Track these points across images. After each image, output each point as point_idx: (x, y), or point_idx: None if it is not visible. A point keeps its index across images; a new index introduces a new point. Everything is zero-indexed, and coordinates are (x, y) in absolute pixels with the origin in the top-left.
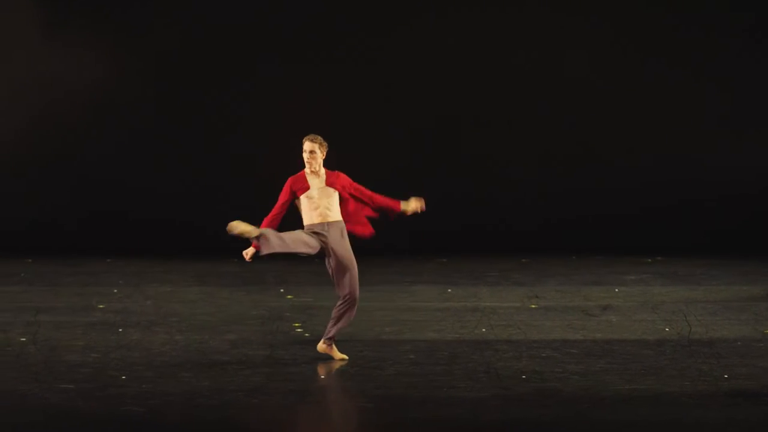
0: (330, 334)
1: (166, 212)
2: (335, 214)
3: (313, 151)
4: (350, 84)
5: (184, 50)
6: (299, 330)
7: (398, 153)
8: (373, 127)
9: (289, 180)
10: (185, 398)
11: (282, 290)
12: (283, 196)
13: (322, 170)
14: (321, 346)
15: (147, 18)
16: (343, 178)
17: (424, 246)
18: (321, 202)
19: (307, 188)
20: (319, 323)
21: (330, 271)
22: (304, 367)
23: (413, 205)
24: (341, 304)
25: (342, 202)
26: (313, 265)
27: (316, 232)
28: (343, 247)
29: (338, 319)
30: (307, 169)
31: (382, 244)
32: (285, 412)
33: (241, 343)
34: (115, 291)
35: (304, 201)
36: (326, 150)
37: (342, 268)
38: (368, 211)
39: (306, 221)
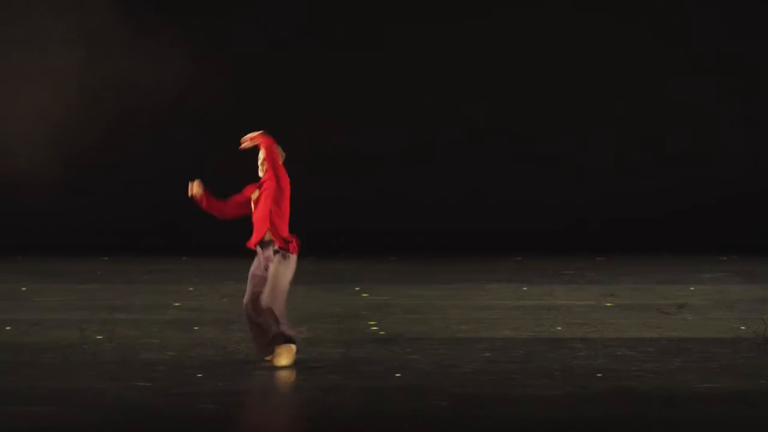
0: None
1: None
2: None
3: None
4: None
5: (262, 51)
6: (374, 328)
7: (462, 155)
8: (449, 132)
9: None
10: (261, 395)
11: (357, 288)
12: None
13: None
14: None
15: (228, 19)
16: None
17: (500, 244)
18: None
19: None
20: (394, 321)
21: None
22: (379, 365)
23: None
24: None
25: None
26: (390, 263)
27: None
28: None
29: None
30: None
31: (457, 243)
32: (360, 410)
33: (317, 341)
34: (191, 289)
35: None
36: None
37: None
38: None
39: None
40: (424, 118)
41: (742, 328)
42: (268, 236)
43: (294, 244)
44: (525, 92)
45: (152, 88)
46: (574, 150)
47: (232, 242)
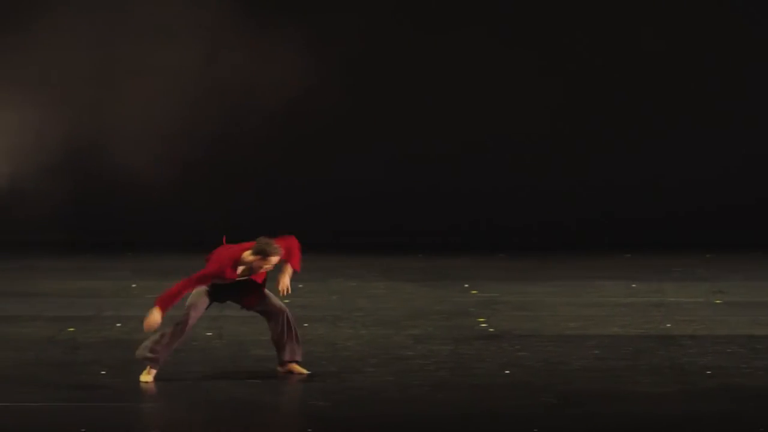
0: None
1: (353, 210)
2: None
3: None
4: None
5: (375, 53)
6: (483, 325)
7: (570, 147)
8: (557, 125)
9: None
10: (369, 393)
11: (466, 285)
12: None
13: None
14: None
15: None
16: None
17: (609, 241)
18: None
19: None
20: (503, 319)
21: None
22: (488, 362)
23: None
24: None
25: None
26: (499, 260)
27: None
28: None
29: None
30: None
31: (564, 240)
32: (469, 407)
33: (425, 338)
34: (301, 286)
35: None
36: None
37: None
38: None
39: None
40: (531, 111)
41: None
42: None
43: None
44: (643, 77)
45: (269, 86)
46: (681, 153)
47: (342, 240)
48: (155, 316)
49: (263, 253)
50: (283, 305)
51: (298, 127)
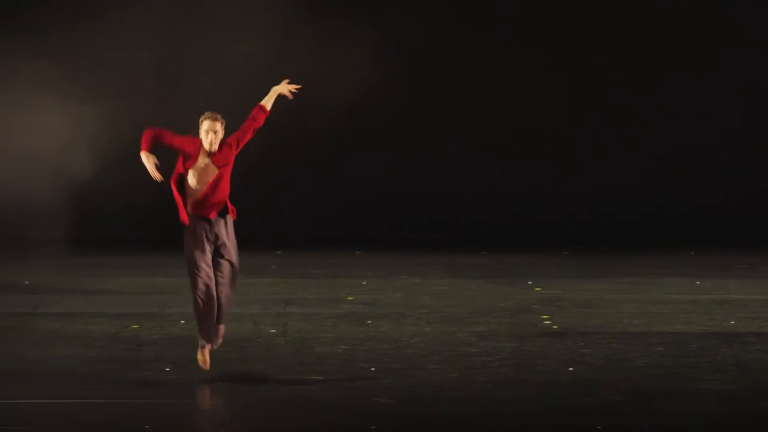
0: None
1: (416, 207)
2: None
3: (216, 131)
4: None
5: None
6: (547, 322)
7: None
8: (619, 123)
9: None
10: (433, 390)
11: (530, 282)
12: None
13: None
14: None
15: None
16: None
17: (674, 238)
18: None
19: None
20: (567, 315)
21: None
22: (551, 359)
23: (282, 88)
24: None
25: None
26: (562, 257)
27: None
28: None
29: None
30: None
31: (631, 236)
32: (532, 404)
33: (489, 335)
34: (364, 283)
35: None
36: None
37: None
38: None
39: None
40: (596, 108)
41: None
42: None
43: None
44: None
45: (335, 87)
46: (746, 150)
47: (406, 236)
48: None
49: (200, 123)
50: (229, 275)
51: (360, 125)
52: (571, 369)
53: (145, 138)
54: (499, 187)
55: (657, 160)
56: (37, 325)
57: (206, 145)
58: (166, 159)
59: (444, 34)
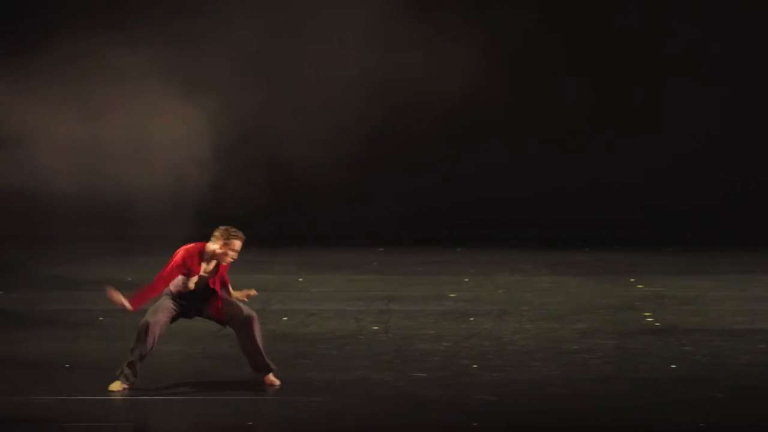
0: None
1: (514, 205)
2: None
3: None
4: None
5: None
6: (649, 319)
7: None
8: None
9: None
10: (536, 387)
11: (632, 279)
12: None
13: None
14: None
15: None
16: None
17: None
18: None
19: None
20: (669, 312)
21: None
22: (654, 356)
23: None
24: None
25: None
26: (665, 254)
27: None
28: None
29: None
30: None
31: (732, 233)
32: (634, 401)
33: (591, 332)
34: (466, 280)
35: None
36: None
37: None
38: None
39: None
40: (708, 105)
41: None
42: None
43: None
44: None
45: (437, 87)
46: None
47: (505, 234)
48: (120, 300)
49: (225, 236)
50: (251, 312)
51: (465, 124)
52: (673, 366)
53: (140, 297)
54: (600, 184)
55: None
56: (139, 322)
57: (223, 262)
58: None
59: (547, 30)
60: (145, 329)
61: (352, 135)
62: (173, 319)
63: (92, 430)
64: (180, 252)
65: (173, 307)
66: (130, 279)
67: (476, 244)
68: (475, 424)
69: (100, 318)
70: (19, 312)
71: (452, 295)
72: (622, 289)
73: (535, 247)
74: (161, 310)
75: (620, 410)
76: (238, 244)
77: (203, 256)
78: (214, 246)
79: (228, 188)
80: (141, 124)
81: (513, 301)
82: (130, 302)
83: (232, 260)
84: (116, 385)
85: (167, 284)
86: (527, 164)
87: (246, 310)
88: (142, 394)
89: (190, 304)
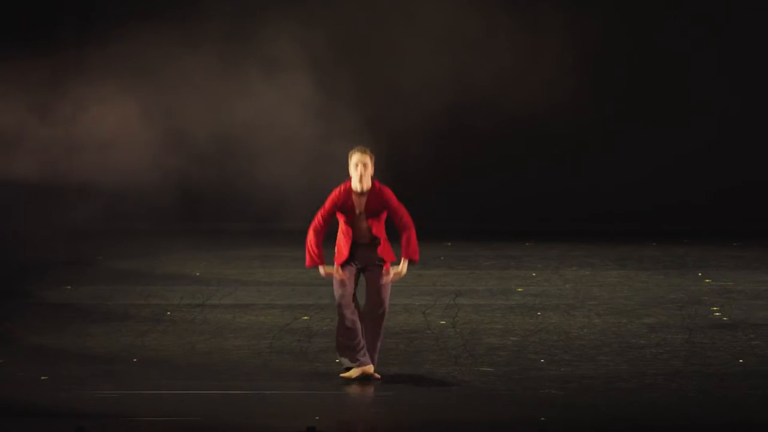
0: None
1: (582, 200)
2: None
3: (366, 164)
4: None
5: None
6: (717, 314)
7: None
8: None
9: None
10: (604, 381)
11: (700, 274)
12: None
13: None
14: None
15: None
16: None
17: None
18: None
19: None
20: (737, 307)
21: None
22: (722, 351)
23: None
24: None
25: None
26: (733, 249)
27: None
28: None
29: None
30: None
31: None
32: (703, 396)
33: (659, 326)
34: (534, 275)
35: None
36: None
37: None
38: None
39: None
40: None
41: None
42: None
43: None
44: None
45: (528, 91)
46: None
47: (576, 228)
48: (323, 272)
49: (350, 157)
50: (383, 304)
51: (543, 122)
52: (741, 361)
53: (310, 252)
54: (665, 179)
55: None
56: (207, 316)
57: (356, 179)
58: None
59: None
60: (338, 311)
61: (427, 133)
62: (356, 281)
63: (160, 425)
64: (331, 194)
65: (346, 272)
66: (198, 273)
67: (544, 238)
68: (542, 418)
69: (168, 313)
70: (88, 307)
71: (520, 289)
72: (690, 284)
73: (603, 241)
74: (339, 285)
75: (688, 405)
76: (355, 156)
77: (348, 189)
78: (351, 177)
79: (305, 184)
80: (211, 120)
81: (581, 296)
82: (314, 265)
83: (360, 174)
84: (350, 373)
85: (325, 228)
86: (592, 158)
87: (386, 302)
88: (209, 388)
89: (357, 258)
